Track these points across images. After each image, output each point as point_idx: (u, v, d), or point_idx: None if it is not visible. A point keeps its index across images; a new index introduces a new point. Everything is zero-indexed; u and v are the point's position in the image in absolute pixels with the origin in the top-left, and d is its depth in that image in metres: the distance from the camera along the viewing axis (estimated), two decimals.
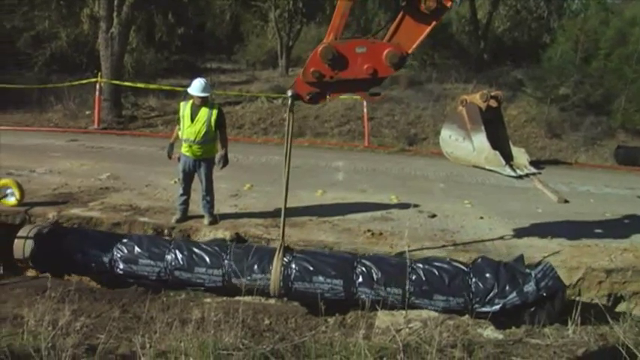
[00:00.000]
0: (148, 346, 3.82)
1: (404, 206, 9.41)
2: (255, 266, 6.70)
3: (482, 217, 9.07)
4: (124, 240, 7.19)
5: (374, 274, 6.43)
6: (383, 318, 5.56)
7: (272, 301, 6.44)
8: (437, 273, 6.29)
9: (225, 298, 6.41)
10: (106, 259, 6.99)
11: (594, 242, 8.10)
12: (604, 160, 15.64)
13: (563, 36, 19.06)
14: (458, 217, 9.05)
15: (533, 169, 12.63)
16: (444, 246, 7.74)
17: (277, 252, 6.64)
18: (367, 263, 6.56)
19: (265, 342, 4.16)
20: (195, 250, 6.92)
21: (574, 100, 17.31)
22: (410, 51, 5.99)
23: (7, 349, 3.57)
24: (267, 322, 5.63)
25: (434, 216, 8.99)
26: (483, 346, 4.38)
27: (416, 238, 7.84)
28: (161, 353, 3.84)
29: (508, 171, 12.13)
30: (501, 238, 8.14)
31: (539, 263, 6.60)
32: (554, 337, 4.75)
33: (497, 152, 12.37)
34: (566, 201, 10.34)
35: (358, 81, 6.06)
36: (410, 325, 4.91)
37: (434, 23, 5.90)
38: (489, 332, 5.17)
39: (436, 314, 5.93)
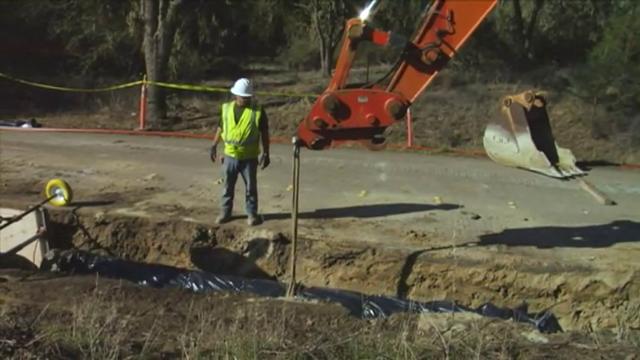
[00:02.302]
0: (192, 344, 3.86)
1: (447, 207, 9.35)
2: None
3: (526, 219, 8.94)
4: (144, 269, 7.40)
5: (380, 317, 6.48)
6: (426, 320, 5.52)
7: (315, 301, 6.46)
8: None
9: (268, 298, 6.45)
10: None
11: None
12: None
13: (610, 34, 18.59)
14: (502, 218, 8.94)
15: (579, 171, 12.39)
16: (487, 248, 7.67)
17: (289, 289, 6.70)
18: (375, 305, 6.58)
19: (308, 342, 4.16)
20: (210, 283, 7.06)
21: (622, 99, 16.83)
22: (412, 100, 6.12)
23: (57, 345, 3.65)
24: (309, 322, 5.64)
25: (478, 217, 8.90)
26: (528, 349, 4.30)
27: (459, 240, 7.76)
28: (205, 352, 3.87)
29: (553, 172, 11.94)
30: (546, 240, 8.01)
31: (542, 313, 6.56)
32: (601, 341, 4.64)
33: (542, 153, 12.18)
34: (614, 203, 10.11)
35: (361, 129, 6.22)
36: (453, 328, 4.86)
37: (436, 73, 5.99)
38: (534, 336, 5.08)
39: (480, 317, 5.87)
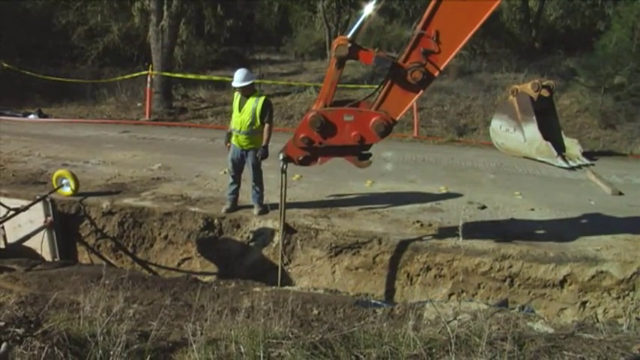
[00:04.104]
0: (199, 333, 3.88)
1: (453, 197, 9.33)
2: None
3: (533, 209, 8.92)
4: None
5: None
6: (432, 310, 5.53)
7: (321, 291, 6.48)
8: None
9: (274, 288, 6.48)
10: None
11: None
12: None
13: (618, 22, 18.44)
14: (508, 208, 8.92)
15: (585, 161, 12.35)
16: (493, 238, 7.65)
17: None
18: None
19: (314, 332, 4.17)
20: None
21: (629, 89, 16.69)
22: (397, 118, 6.18)
23: (65, 333, 3.67)
24: (315, 312, 5.66)
25: (484, 207, 8.88)
26: (534, 339, 4.30)
27: (465, 230, 7.74)
28: (212, 341, 3.88)
29: (560, 162, 11.90)
30: (552, 230, 8.00)
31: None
32: (607, 332, 4.63)
33: (548, 143, 12.13)
34: (621, 193, 10.07)
35: (347, 147, 6.33)
36: (459, 317, 4.86)
37: (421, 92, 6.05)
38: (540, 326, 5.09)
39: (486, 306, 5.87)
